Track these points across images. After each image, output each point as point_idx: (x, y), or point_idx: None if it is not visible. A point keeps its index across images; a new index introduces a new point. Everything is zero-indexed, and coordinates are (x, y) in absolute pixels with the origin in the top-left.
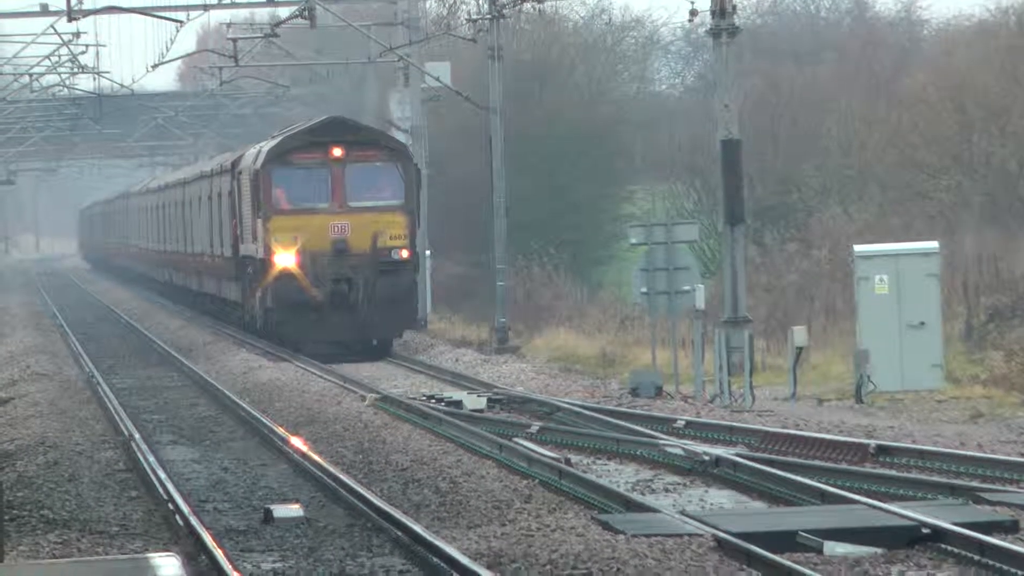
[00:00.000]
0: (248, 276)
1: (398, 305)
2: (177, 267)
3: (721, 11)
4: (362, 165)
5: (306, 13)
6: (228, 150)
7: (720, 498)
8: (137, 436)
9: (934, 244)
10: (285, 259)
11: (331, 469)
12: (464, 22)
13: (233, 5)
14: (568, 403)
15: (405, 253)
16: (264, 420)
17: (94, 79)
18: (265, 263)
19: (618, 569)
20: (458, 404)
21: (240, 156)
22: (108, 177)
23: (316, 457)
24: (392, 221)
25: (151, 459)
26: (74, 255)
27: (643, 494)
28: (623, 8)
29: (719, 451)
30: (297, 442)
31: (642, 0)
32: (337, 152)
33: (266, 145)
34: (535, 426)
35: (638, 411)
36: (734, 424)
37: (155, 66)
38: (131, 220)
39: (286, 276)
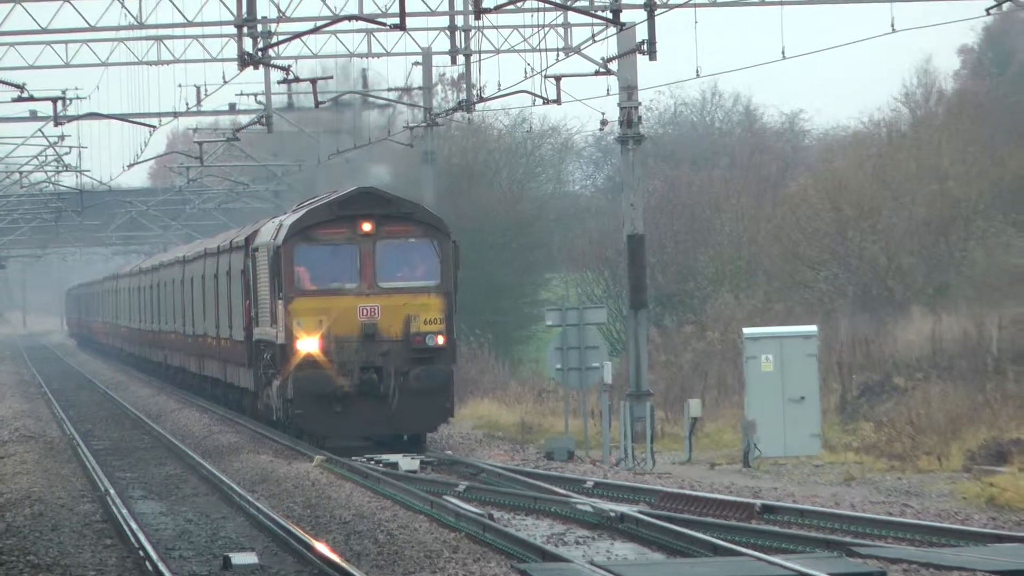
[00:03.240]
0: (264, 363)
1: (433, 397)
2: (173, 348)
3: (628, 121)
4: (394, 241)
5: (264, 120)
6: (193, 240)
7: (624, 550)
8: (112, 491)
9: (813, 328)
10: (308, 345)
11: (282, 522)
12: (402, 129)
13: (199, 113)
14: (491, 465)
15: (441, 339)
16: (223, 477)
17: (76, 176)
18: (286, 349)
19: None
20: (394, 465)
21: (255, 231)
22: (88, 263)
23: (269, 511)
24: (427, 304)
25: (124, 511)
26: (58, 332)
27: (557, 546)
28: (541, 117)
29: (624, 508)
30: (252, 498)
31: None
32: (367, 227)
33: (288, 219)
34: (462, 485)
35: (553, 473)
36: (637, 485)
37: (130, 165)
38: (120, 300)
39: (309, 364)
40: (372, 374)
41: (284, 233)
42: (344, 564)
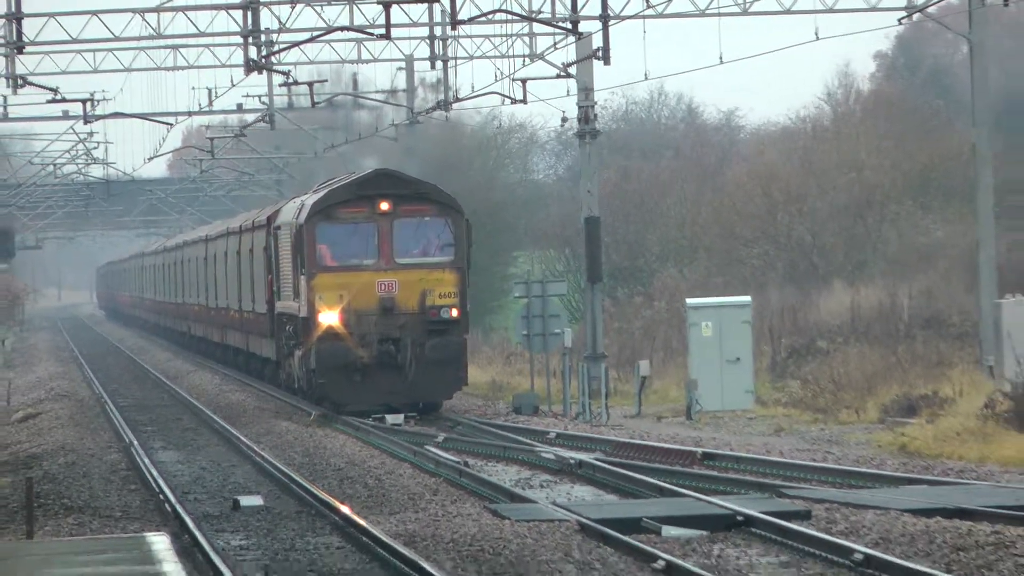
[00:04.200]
0: (286, 334)
1: (447, 367)
2: (197, 319)
3: (585, 119)
4: (410, 220)
5: (267, 118)
6: (205, 223)
7: (583, 492)
8: (135, 443)
9: (747, 298)
10: (330, 318)
11: (285, 468)
12: (388, 126)
13: (210, 112)
14: (466, 419)
15: (455, 312)
16: (232, 430)
17: (103, 168)
18: (308, 322)
19: (504, 546)
20: (381, 419)
21: (277, 211)
22: (114, 244)
23: (273, 460)
24: (441, 278)
25: (146, 460)
26: (89, 304)
27: (523, 489)
28: (509, 115)
29: (582, 456)
30: (258, 449)
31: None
32: (384, 206)
33: (309, 199)
34: (441, 436)
35: (520, 425)
36: (593, 435)
37: (150, 158)
38: (146, 276)
39: (331, 336)
40: (390, 345)
41: (307, 212)
42: (338, 505)
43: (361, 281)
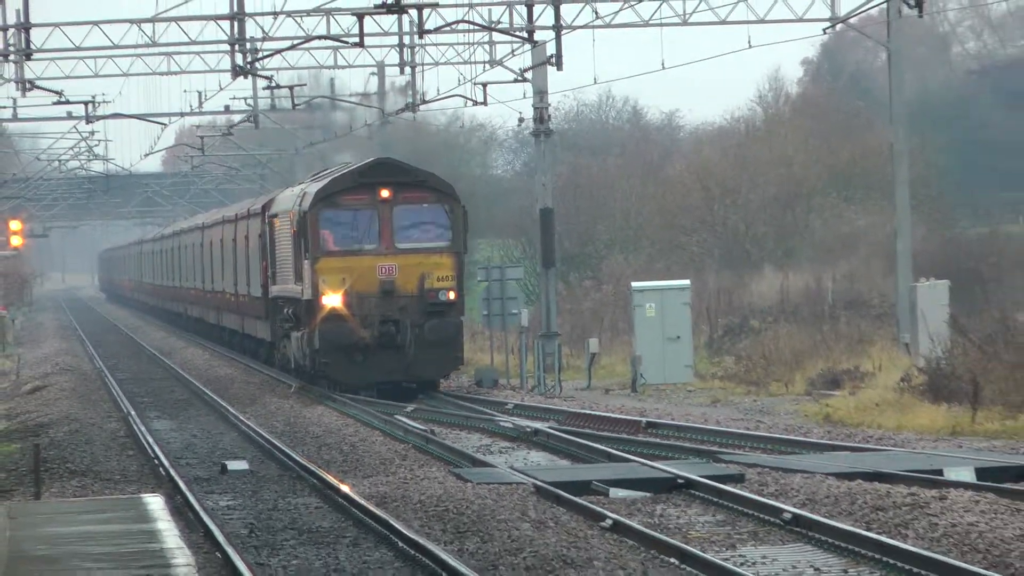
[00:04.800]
0: (282, 317)
1: (445, 347)
2: (193, 302)
3: (540, 119)
4: (410, 207)
5: (252, 119)
6: (197, 214)
7: (538, 458)
8: (133, 412)
9: (686, 282)
10: (333, 300)
11: (268, 436)
12: (362, 126)
13: (201, 113)
14: (432, 391)
15: (452, 295)
16: (220, 401)
17: (103, 164)
18: (312, 304)
19: (467, 506)
20: (357, 392)
21: (271, 200)
22: (113, 232)
23: (258, 427)
24: (439, 263)
25: (142, 428)
26: (90, 287)
27: (484, 455)
28: (472, 116)
29: (537, 425)
30: (242, 417)
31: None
32: (385, 193)
33: (312, 186)
34: (410, 407)
35: (481, 397)
36: (547, 406)
37: (146, 155)
38: (145, 261)
39: (334, 317)
40: (390, 326)
41: (310, 199)
42: (316, 469)
43: (363, 265)
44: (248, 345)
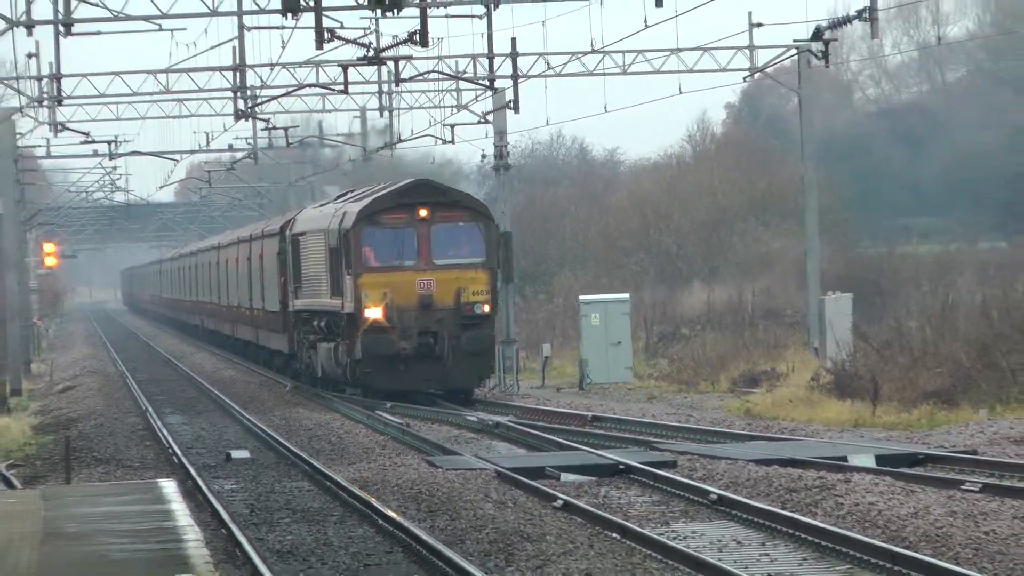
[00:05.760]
0: (307, 329)
1: (480, 357)
2: (209, 315)
3: (500, 155)
4: (447, 225)
5: (252, 156)
6: (206, 238)
7: (499, 448)
8: (150, 409)
9: (626, 295)
10: (374, 313)
11: (267, 429)
12: (347, 162)
13: (208, 151)
14: None
15: (487, 308)
16: (226, 399)
17: (124, 194)
18: (354, 317)
19: (437, 488)
20: (343, 391)
21: (289, 220)
22: (133, 253)
23: (258, 422)
24: (475, 278)
25: (158, 423)
26: (115, 301)
27: (452, 445)
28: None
29: (498, 419)
30: (244, 413)
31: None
32: (423, 213)
33: (353, 206)
34: (389, 404)
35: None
36: (507, 403)
37: (161, 187)
38: (164, 277)
39: (375, 329)
40: (429, 338)
41: (353, 218)
42: (308, 457)
43: (402, 280)
44: (261, 355)
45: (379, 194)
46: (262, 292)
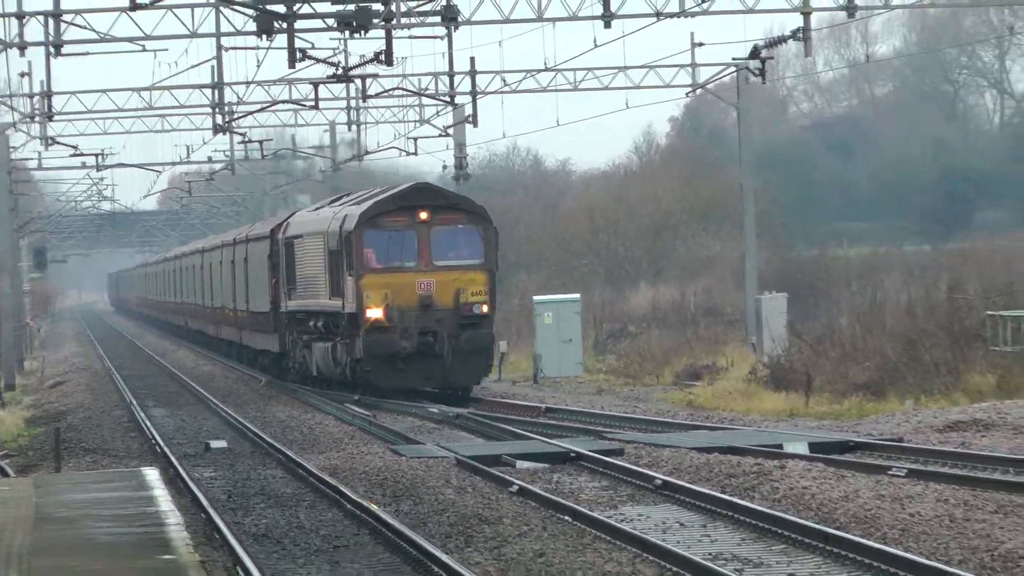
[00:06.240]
0: (301, 329)
1: (479, 356)
2: (193, 315)
3: (460, 166)
4: (446, 227)
5: (230, 167)
6: (188, 242)
7: (459, 437)
8: (134, 402)
9: (577, 295)
10: (376, 313)
11: (243, 421)
12: (318, 172)
13: (189, 162)
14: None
15: (485, 308)
16: (205, 393)
17: (110, 203)
18: (356, 317)
19: (402, 475)
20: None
21: (280, 224)
22: (119, 258)
23: (235, 414)
24: (473, 279)
25: (142, 415)
26: (101, 302)
27: (416, 435)
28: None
29: (458, 410)
30: (222, 406)
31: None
32: (423, 215)
33: (354, 209)
34: (356, 396)
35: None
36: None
37: (144, 196)
38: (149, 280)
39: (377, 329)
40: (429, 337)
41: (354, 221)
42: (282, 447)
43: (403, 281)
44: (245, 354)
45: (380, 197)
46: (246, 294)
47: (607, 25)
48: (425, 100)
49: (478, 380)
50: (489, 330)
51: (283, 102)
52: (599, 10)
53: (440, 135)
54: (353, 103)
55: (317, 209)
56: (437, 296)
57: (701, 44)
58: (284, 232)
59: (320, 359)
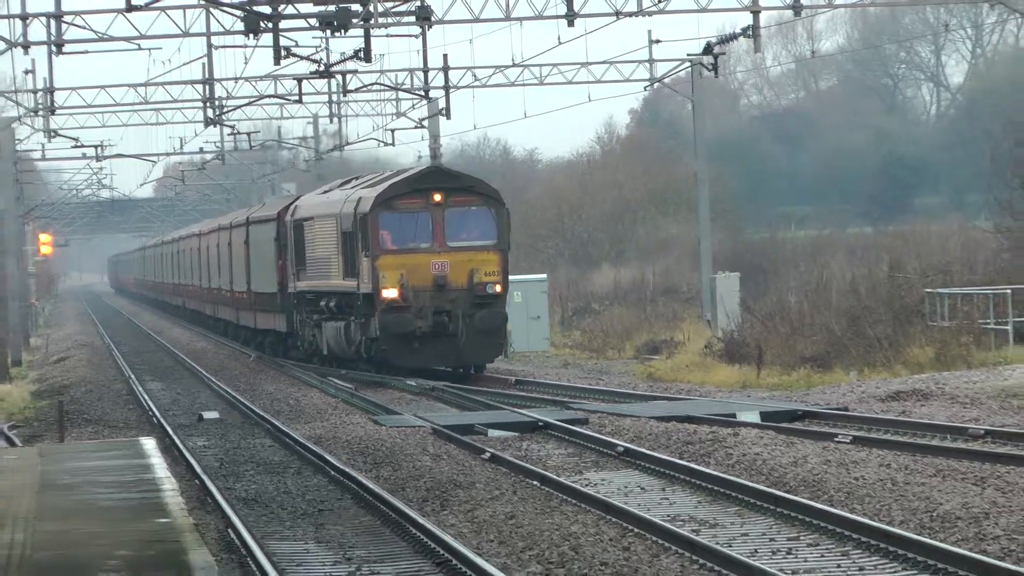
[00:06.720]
0: (311, 309)
1: (491, 335)
2: (191, 296)
3: (434, 156)
4: (460, 209)
5: (220, 157)
6: (181, 227)
7: (435, 408)
8: (133, 376)
9: (544, 276)
10: (391, 293)
11: (234, 393)
12: (302, 162)
13: (182, 152)
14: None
15: (498, 288)
16: (199, 368)
17: (109, 191)
18: (372, 297)
19: (382, 444)
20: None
21: (287, 207)
22: (117, 242)
23: (226, 387)
24: (486, 259)
25: (140, 388)
26: (101, 284)
27: (395, 406)
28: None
29: (434, 383)
30: (215, 380)
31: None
32: (437, 197)
33: (369, 192)
34: (342, 371)
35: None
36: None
37: (141, 184)
38: (147, 262)
39: (392, 309)
40: (443, 316)
41: (370, 203)
42: (270, 417)
43: (418, 261)
44: (242, 335)
45: (394, 180)
46: (248, 275)
47: (570, 23)
48: (401, 94)
49: (492, 359)
50: (502, 309)
51: (269, 96)
52: (563, 9)
53: (416, 127)
54: (334, 97)
55: (326, 192)
56: (451, 276)
57: (658, 41)
58: (292, 214)
59: (332, 338)
